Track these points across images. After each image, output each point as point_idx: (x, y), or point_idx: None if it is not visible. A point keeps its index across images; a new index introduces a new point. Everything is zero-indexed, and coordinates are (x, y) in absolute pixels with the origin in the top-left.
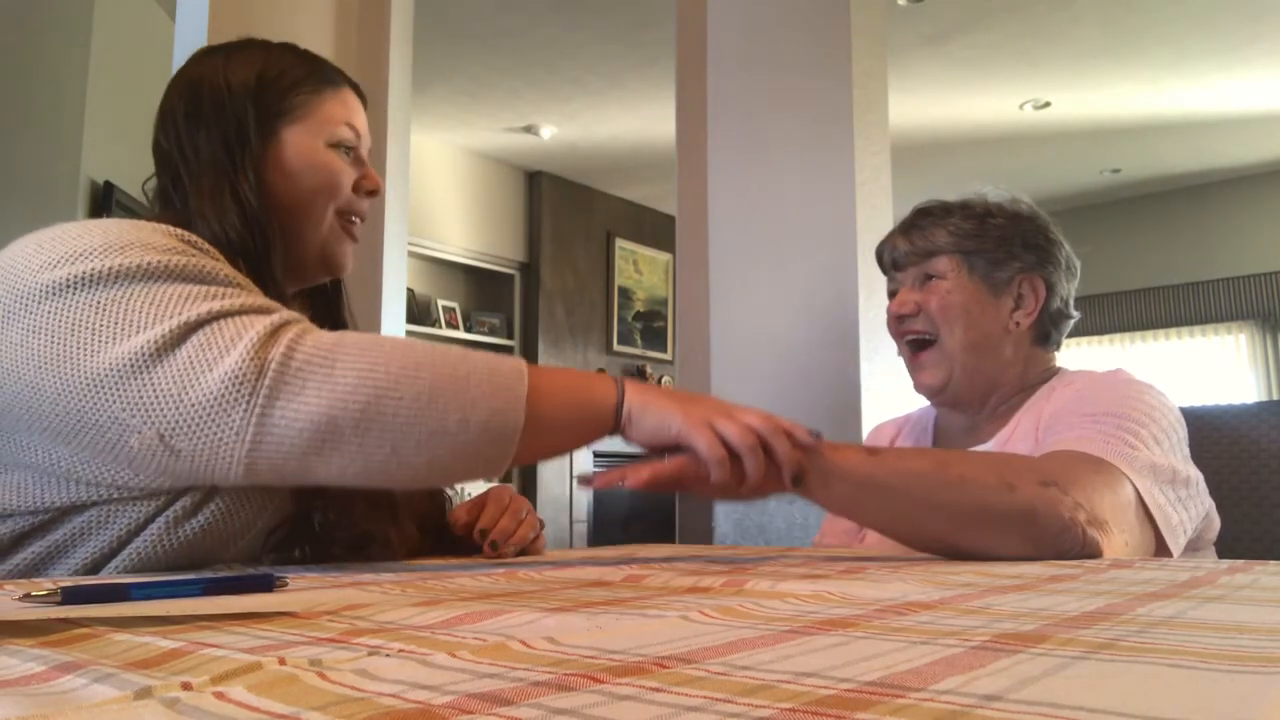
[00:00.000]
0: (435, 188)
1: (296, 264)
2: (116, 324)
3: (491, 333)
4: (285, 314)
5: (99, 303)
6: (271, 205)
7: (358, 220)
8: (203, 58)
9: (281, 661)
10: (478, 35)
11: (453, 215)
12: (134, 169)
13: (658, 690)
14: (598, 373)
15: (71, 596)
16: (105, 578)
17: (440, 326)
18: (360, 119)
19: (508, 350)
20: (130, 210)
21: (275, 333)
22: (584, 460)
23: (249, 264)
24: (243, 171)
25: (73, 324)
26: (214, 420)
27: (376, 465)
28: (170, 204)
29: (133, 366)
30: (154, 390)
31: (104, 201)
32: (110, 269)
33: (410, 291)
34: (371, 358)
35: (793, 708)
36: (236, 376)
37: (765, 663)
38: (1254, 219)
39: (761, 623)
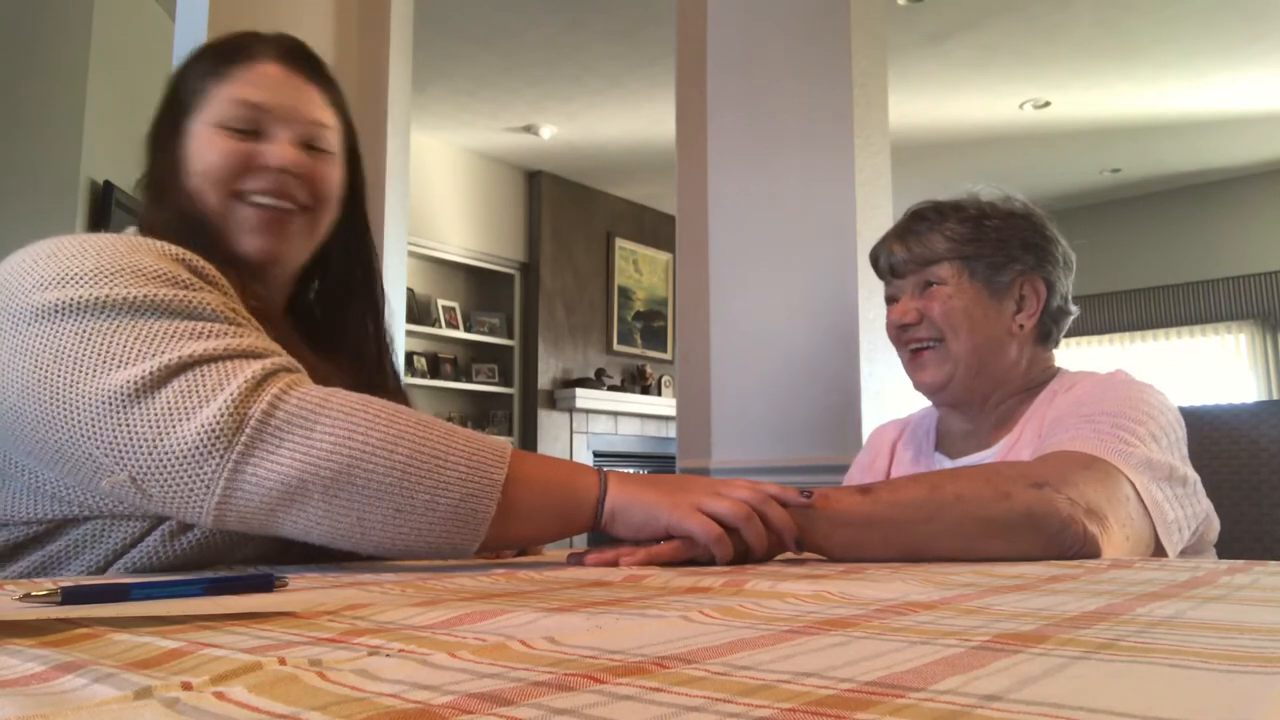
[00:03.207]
0: (435, 188)
1: (232, 254)
2: (99, 356)
3: (491, 333)
4: (275, 360)
5: (84, 332)
6: (183, 197)
7: (268, 200)
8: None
9: (282, 661)
10: (478, 35)
11: (453, 215)
12: (134, 168)
13: (658, 690)
14: (583, 465)
15: (71, 596)
16: (106, 578)
17: (440, 326)
18: (269, 91)
19: (508, 350)
20: (130, 210)
21: (260, 384)
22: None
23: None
24: (163, 162)
25: (56, 351)
26: (187, 470)
27: (341, 531)
28: (147, 200)
29: (111, 404)
30: (129, 433)
31: (104, 201)
32: (99, 298)
33: (410, 291)
34: (352, 424)
35: (793, 708)
36: (214, 428)
37: (765, 663)
38: (1254, 219)
39: (761, 623)
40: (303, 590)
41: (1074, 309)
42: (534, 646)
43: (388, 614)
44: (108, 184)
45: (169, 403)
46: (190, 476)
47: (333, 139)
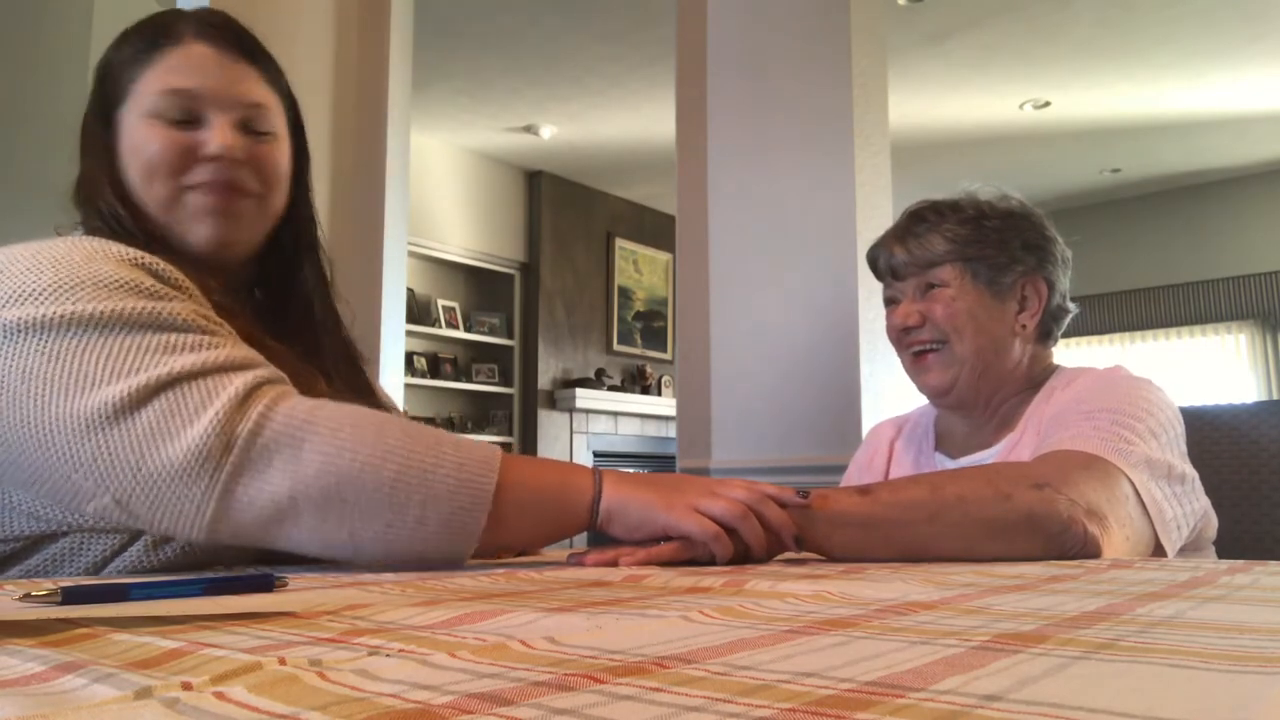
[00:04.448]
0: (435, 188)
1: (183, 247)
2: (70, 377)
3: (491, 332)
4: (257, 374)
5: (52, 352)
6: (125, 193)
7: (215, 189)
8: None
9: (281, 661)
10: (478, 35)
11: (453, 215)
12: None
13: (658, 690)
14: (577, 466)
15: (71, 596)
16: (105, 578)
17: (440, 326)
18: (196, 75)
19: (508, 350)
20: None
21: (245, 401)
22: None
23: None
24: (105, 167)
25: (23, 373)
26: (174, 492)
27: (334, 546)
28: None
29: (88, 427)
30: (110, 455)
31: None
32: (61, 316)
33: (410, 291)
34: (339, 440)
35: (793, 708)
36: (201, 450)
37: (765, 663)
38: (1254, 219)
39: (761, 623)
40: (303, 590)
41: (1073, 307)
42: (534, 646)
43: (388, 614)
44: None
45: (151, 424)
46: (179, 498)
47: (274, 119)
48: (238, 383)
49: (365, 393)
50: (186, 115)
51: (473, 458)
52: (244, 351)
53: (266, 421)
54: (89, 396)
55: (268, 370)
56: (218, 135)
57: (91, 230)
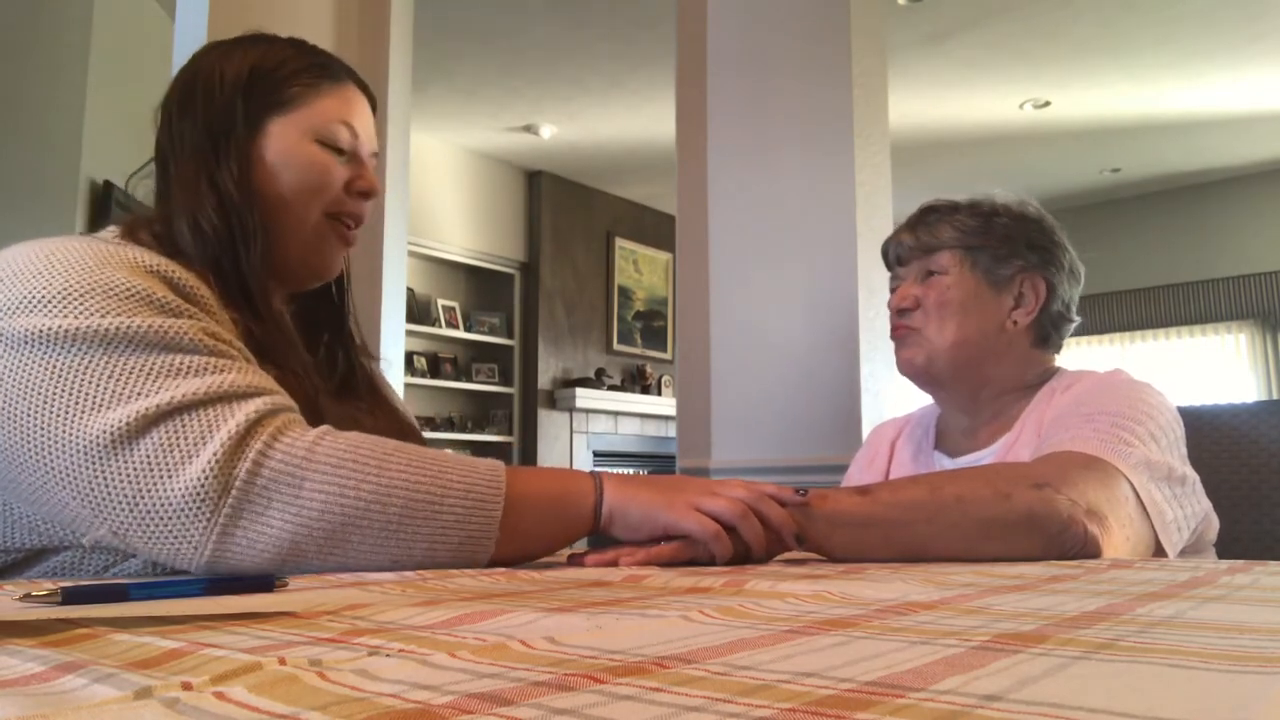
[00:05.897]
0: (435, 188)
1: (280, 264)
2: (72, 397)
3: (491, 332)
4: (259, 405)
5: (55, 369)
6: (255, 198)
7: (352, 224)
8: (205, 52)
9: (281, 661)
10: (478, 35)
11: (453, 215)
12: (133, 168)
13: (658, 690)
14: (576, 472)
15: (71, 596)
16: (105, 578)
17: (440, 326)
18: (361, 119)
19: (508, 350)
20: (130, 210)
21: (245, 437)
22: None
23: (226, 258)
24: (225, 160)
25: (26, 387)
26: (171, 530)
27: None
28: (157, 197)
29: (87, 454)
30: (107, 486)
31: (103, 201)
32: (66, 330)
33: (410, 291)
34: (341, 479)
35: (793, 708)
36: (199, 492)
37: (765, 663)
38: (1254, 219)
39: (761, 623)
40: (303, 590)
41: (1076, 317)
42: (534, 646)
43: (388, 614)
44: (107, 184)
45: (149, 456)
46: (175, 537)
47: None
48: (239, 416)
49: (377, 395)
50: (348, 149)
51: (479, 483)
52: (249, 377)
53: (265, 460)
54: (89, 420)
55: (272, 398)
56: (370, 176)
57: (166, 229)
